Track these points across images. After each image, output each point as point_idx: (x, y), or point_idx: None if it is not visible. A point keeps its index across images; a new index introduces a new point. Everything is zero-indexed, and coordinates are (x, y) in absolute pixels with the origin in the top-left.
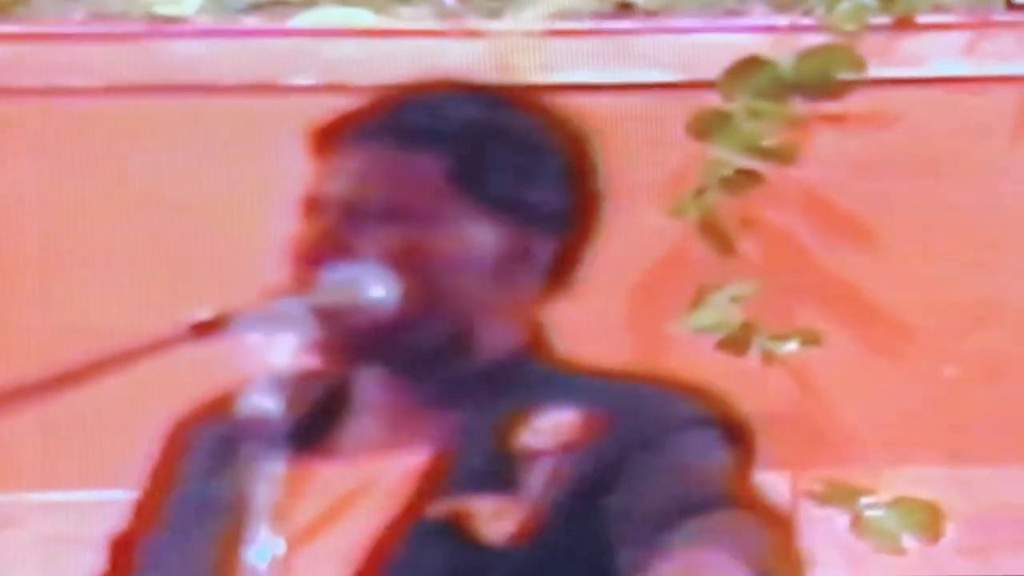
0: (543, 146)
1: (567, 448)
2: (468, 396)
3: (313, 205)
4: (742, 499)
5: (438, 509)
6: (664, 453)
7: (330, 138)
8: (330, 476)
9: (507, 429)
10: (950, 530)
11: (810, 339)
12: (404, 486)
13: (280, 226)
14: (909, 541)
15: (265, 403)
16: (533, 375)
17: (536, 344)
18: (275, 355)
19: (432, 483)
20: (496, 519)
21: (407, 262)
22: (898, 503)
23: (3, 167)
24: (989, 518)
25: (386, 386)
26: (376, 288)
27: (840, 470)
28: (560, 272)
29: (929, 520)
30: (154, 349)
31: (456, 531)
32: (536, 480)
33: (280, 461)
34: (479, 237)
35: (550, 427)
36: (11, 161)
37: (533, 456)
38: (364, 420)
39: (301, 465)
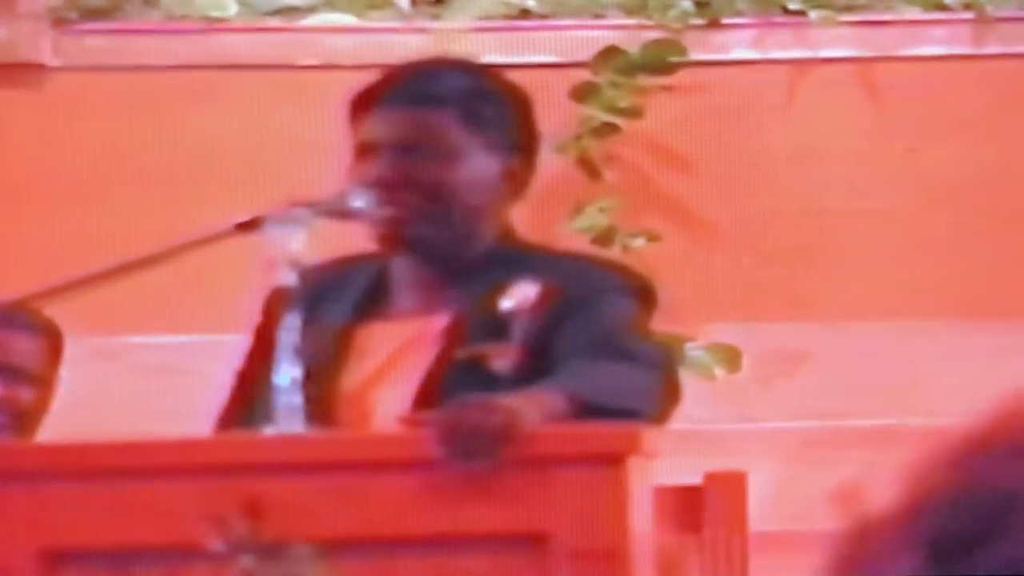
0: (510, 100)
1: (532, 310)
2: (469, 276)
3: (363, 149)
4: (645, 337)
5: (463, 352)
6: (594, 310)
7: (365, 103)
8: (388, 333)
9: (491, 298)
10: (745, 364)
11: (653, 237)
12: (437, 339)
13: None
14: (719, 372)
15: (287, 277)
16: (507, 258)
17: (508, 235)
18: (292, 245)
19: (455, 336)
20: (499, 358)
21: (436, 184)
22: (711, 347)
23: (102, 121)
24: (768, 357)
25: (418, 271)
26: (358, 201)
27: (673, 325)
28: (522, 185)
29: (731, 358)
30: (209, 240)
31: (476, 367)
32: (517, 332)
33: (298, 316)
34: (483, 164)
35: (519, 296)
36: (105, 117)
37: (511, 316)
38: (405, 295)
39: (368, 326)
